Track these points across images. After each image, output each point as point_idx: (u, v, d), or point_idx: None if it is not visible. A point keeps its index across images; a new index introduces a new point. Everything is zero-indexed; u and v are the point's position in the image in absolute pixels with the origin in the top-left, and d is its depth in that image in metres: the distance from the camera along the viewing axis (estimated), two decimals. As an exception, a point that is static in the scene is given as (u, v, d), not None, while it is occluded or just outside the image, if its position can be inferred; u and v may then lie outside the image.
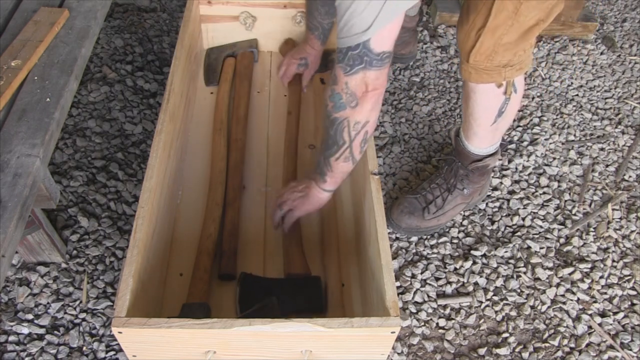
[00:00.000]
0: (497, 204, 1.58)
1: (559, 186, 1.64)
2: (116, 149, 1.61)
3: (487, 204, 1.57)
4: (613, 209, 1.59)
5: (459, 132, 1.41)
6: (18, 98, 1.08)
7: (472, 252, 1.46)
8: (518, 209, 1.57)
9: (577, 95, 1.94)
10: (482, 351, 1.29)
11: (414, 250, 1.46)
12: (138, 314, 0.93)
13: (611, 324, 1.36)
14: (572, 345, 1.32)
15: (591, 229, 1.54)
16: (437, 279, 1.41)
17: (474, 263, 1.44)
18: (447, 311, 1.35)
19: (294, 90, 1.63)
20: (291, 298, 1.18)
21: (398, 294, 1.34)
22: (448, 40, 2.09)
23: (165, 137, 1.17)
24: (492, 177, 1.63)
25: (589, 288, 1.42)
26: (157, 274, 1.15)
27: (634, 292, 1.42)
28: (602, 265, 1.46)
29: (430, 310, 1.35)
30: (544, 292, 1.40)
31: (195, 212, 1.35)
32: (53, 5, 1.28)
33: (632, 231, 1.55)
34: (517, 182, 1.64)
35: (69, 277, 1.33)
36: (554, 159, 1.72)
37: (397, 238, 1.47)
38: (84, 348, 1.23)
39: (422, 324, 1.32)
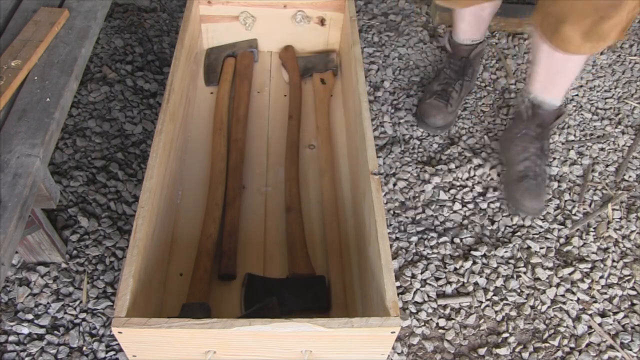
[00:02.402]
0: (497, 204, 1.58)
1: (559, 186, 1.64)
2: (116, 149, 1.61)
3: (487, 204, 1.57)
4: (613, 209, 1.59)
5: (451, 35, 1.71)
6: (18, 98, 1.08)
7: (472, 252, 1.46)
8: (518, 209, 1.57)
9: (577, 95, 1.94)
10: (482, 351, 1.29)
11: (414, 250, 1.46)
12: (138, 314, 0.94)
13: (611, 324, 1.36)
14: (572, 345, 1.32)
15: (591, 229, 1.54)
16: (437, 279, 1.41)
17: (474, 263, 1.44)
18: (447, 311, 1.35)
19: (295, 94, 1.63)
20: (296, 298, 1.18)
21: (398, 294, 1.34)
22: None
23: (165, 137, 1.17)
24: (492, 177, 1.63)
25: (589, 288, 1.42)
26: (157, 274, 1.15)
27: (634, 292, 1.42)
28: (602, 265, 1.46)
29: (430, 310, 1.35)
30: (544, 292, 1.40)
31: (195, 212, 1.35)
32: (53, 5, 1.28)
33: (632, 231, 1.55)
34: (517, 182, 1.64)
35: (69, 277, 1.33)
36: (554, 159, 1.72)
37: (397, 238, 1.47)
38: (84, 348, 1.23)
39: (422, 324, 1.32)
